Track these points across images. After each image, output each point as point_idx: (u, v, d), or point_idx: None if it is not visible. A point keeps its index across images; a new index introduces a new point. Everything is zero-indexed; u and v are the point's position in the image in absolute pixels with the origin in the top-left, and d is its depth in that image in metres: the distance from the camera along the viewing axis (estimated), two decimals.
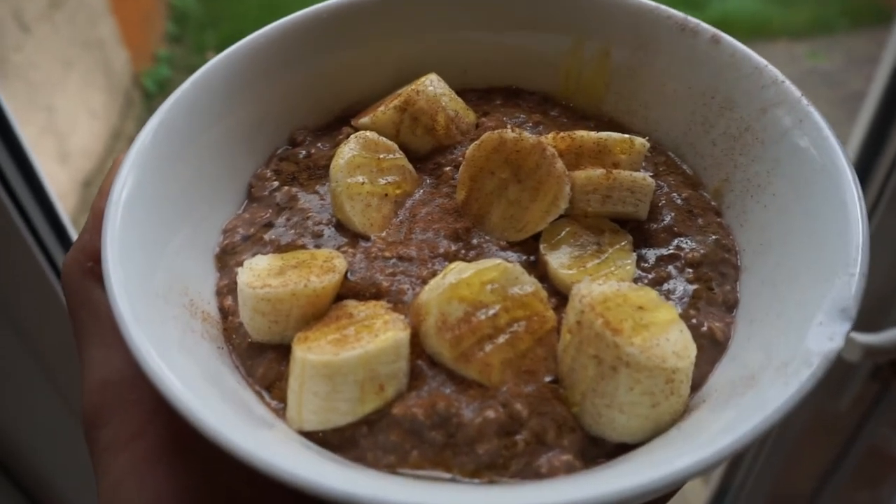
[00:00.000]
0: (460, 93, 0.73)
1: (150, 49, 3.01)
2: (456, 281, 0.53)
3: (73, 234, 1.33)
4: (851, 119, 1.35)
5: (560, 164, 0.59)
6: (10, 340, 1.29)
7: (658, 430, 0.50)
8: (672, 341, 0.50)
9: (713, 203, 0.66)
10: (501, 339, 0.53)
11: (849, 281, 0.47)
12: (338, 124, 0.72)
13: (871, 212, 1.40)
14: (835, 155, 0.55)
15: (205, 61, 0.64)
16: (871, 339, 1.38)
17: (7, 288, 1.25)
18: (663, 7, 0.69)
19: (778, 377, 0.45)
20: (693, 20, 0.68)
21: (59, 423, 1.44)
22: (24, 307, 1.27)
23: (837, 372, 1.50)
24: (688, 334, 0.51)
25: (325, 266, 0.56)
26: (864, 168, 1.41)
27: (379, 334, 0.51)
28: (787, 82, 0.61)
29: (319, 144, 0.69)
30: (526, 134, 0.60)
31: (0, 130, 1.18)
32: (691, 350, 0.50)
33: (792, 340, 0.47)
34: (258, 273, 0.55)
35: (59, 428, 1.44)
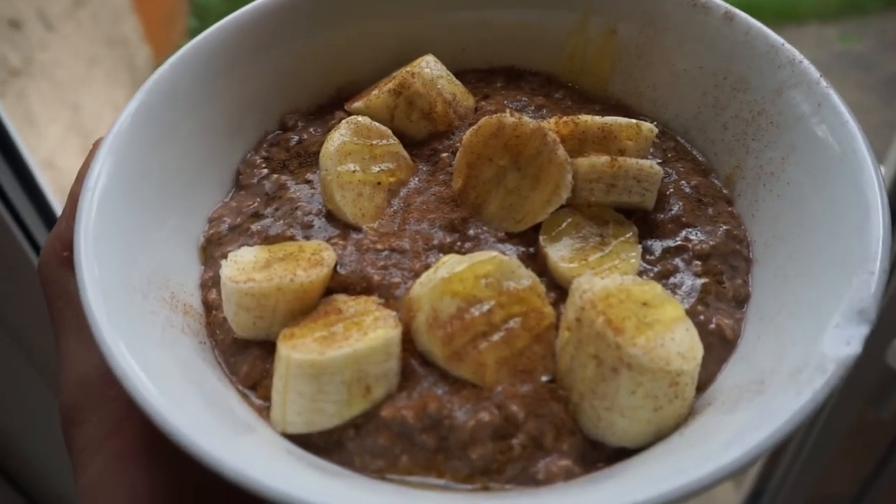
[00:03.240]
0: (460, 74, 0.70)
1: (173, 45, 3.02)
2: (448, 275, 0.50)
3: None
4: (887, 103, 1.29)
5: (562, 151, 0.56)
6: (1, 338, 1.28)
7: (660, 435, 0.48)
8: (677, 341, 0.47)
9: (724, 191, 0.63)
10: (496, 336, 0.50)
11: (868, 280, 0.44)
12: (331, 107, 0.69)
13: None
14: (855, 142, 0.51)
15: None
16: None
17: None
18: None
19: (790, 384, 0.42)
20: None
21: (52, 416, 1.43)
22: (13, 301, 1.25)
23: (881, 379, 1.45)
24: (694, 333, 0.48)
25: (313, 259, 0.53)
26: None
27: (368, 332, 0.49)
28: (805, 62, 0.57)
29: (311, 129, 0.66)
30: (526, 119, 0.57)
31: None
32: (697, 351, 0.47)
33: (805, 343, 0.44)
34: (243, 266, 0.52)
35: (53, 422, 1.43)
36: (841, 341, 0.42)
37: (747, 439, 0.39)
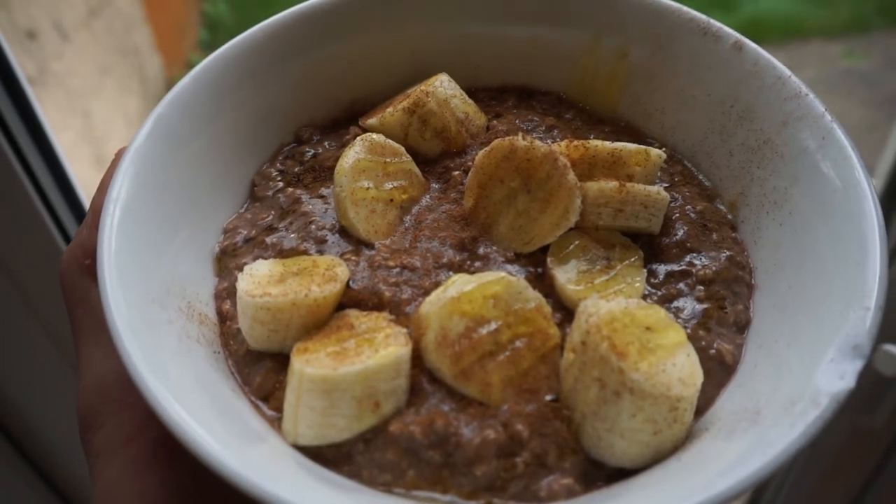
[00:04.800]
0: (472, 91, 0.71)
1: (184, 55, 3.06)
2: (457, 294, 0.52)
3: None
4: (892, 121, 1.30)
5: (572, 176, 0.57)
6: (19, 309, 1.30)
7: (658, 458, 0.49)
8: (679, 367, 0.49)
9: (729, 216, 0.64)
10: (503, 356, 0.52)
11: (864, 315, 0.45)
12: (346, 121, 0.70)
13: None
14: (856, 177, 0.52)
15: None
16: None
17: (21, 263, 1.26)
18: (685, 8, 0.66)
19: (784, 416, 0.43)
20: (716, 24, 0.65)
21: (69, 394, 1.45)
22: (35, 280, 1.28)
23: (872, 387, 1.45)
24: (695, 359, 0.50)
25: (327, 275, 0.55)
26: None
27: (379, 349, 0.50)
28: (811, 95, 0.58)
29: (326, 143, 0.68)
30: (538, 142, 0.58)
31: (27, 121, 1.18)
32: (698, 377, 0.49)
33: (801, 376, 0.46)
34: (258, 280, 0.54)
35: (69, 400, 1.45)
36: (835, 375, 0.44)
37: (739, 470, 0.40)
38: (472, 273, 0.57)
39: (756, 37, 0.64)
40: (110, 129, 2.38)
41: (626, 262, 0.59)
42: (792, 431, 0.41)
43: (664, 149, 0.67)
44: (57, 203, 1.24)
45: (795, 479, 1.70)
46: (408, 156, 0.63)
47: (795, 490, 1.73)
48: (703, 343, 0.55)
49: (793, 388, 0.46)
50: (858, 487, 1.69)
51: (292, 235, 0.60)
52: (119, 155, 0.56)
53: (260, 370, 0.54)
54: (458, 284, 0.53)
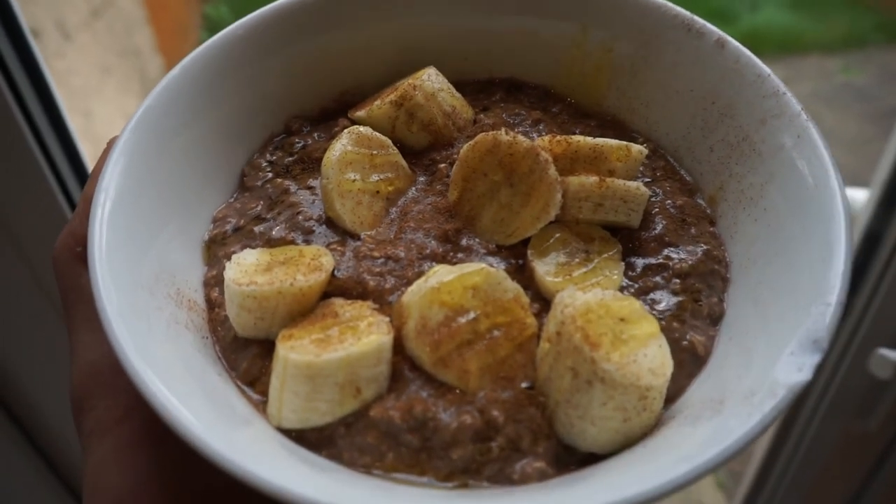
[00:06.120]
0: (460, 84, 0.72)
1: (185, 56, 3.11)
2: (437, 284, 0.53)
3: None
4: (888, 135, 1.30)
5: (553, 171, 0.59)
6: (28, 283, 1.32)
7: (628, 443, 0.51)
8: (650, 357, 0.50)
9: (708, 211, 0.65)
10: (481, 344, 0.54)
11: (824, 311, 0.47)
12: (336, 112, 0.72)
13: None
14: (828, 176, 0.54)
15: None
16: None
17: (30, 237, 1.28)
18: (670, 5, 0.67)
19: (742, 406, 0.45)
20: (700, 21, 0.66)
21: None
22: (44, 255, 1.30)
23: (867, 391, 1.44)
24: (666, 350, 0.52)
25: (313, 264, 0.56)
26: None
27: (362, 337, 0.52)
28: (789, 94, 0.60)
29: (315, 135, 0.69)
30: (520, 137, 0.59)
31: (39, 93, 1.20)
32: (668, 367, 0.51)
33: (762, 367, 0.48)
34: (245, 269, 0.56)
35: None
36: (794, 368, 0.45)
37: (697, 457, 0.42)
38: (455, 264, 0.58)
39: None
40: (111, 128, 2.41)
41: (605, 255, 0.60)
42: (749, 421, 0.43)
43: (648, 143, 0.69)
44: (68, 178, 1.26)
45: (791, 482, 1.72)
46: (394, 148, 0.65)
47: (791, 494, 1.74)
48: (677, 335, 0.57)
49: (754, 378, 0.47)
50: (853, 491, 1.70)
51: (280, 225, 0.62)
52: (111, 144, 0.58)
53: (247, 356, 0.56)
54: (439, 275, 0.54)
